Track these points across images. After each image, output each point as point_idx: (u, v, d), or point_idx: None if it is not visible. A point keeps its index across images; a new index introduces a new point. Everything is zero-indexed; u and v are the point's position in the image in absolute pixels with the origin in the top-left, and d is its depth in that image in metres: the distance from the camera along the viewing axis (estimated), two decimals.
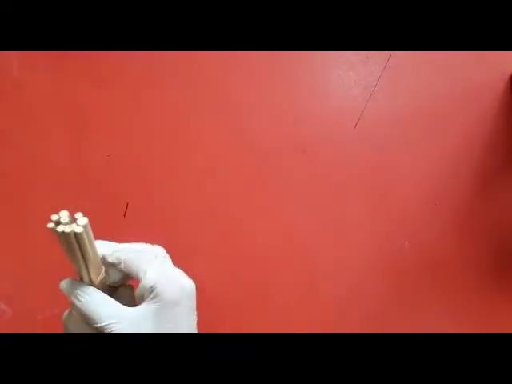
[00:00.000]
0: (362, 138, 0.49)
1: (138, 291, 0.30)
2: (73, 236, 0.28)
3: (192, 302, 0.31)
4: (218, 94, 0.47)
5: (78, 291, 0.29)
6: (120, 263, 0.31)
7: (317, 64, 0.50)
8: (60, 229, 0.28)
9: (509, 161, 0.49)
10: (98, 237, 0.46)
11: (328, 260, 0.47)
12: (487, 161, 0.49)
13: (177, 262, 0.43)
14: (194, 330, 0.31)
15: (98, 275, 0.30)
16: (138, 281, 0.31)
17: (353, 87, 0.50)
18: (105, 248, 0.31)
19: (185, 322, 0.30)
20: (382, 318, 0.46)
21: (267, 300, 0.42)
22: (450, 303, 0.47)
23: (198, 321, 0.32)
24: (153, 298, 0.29)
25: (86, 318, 0.29)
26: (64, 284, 0.29)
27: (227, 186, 0.47)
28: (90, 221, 0.47)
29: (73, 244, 0.29)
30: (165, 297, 0.29)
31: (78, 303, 0.29)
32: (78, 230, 0.28)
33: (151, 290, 0.29)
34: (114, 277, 0.32)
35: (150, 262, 0.30)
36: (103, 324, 0.28)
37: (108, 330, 0.28)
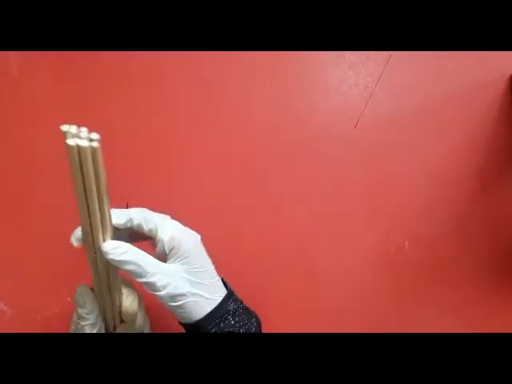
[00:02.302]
0: (362, 137, 0.49)
1: (158, 248, 0.34)
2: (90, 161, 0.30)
3: (204, 252, 0.35)
4: (217, 94, 0.47)
5: (121, 249, 0.31)
6: (140, 223, 0.34)
7: (317, 64, 0.50)
8: (75, 142, 0.29)
9: (509, 161, 0.49)
10: None
11: (328, 260, 0.47)
12: (487, 161, 0.49)
13: None
14: (214, 270, 0.35)
15: (110, 236, 0.32)
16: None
17: (353, 87, 0.50)
18: (116, 215, 0.34)
19: (206, 262, 0.35)
20: (382, 318, 0.46)
21: (267, 300, 0.42)
22: (450, 303, 0.47)
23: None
24: (176, 251, 0.33)
25: (135, 274, 0.32)
26: (107, 246, 0.31)
27: (227, 186, 0.47)
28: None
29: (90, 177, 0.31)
30: (185, 246, 0.33)
31: (126, 260, 0.31)
32: (95, 144, 0.30)
33: (172, 242, 0.33)
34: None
35: (163, 220, 0.34)
36: (151, 279, 0.31)
37: (155, 284, 0.32)
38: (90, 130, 0.30)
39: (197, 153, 0.48)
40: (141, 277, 0.32)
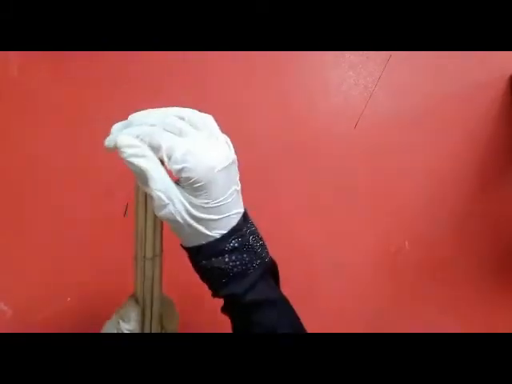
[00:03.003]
0: (363, 137, 0.49)
1: (171, 166, 0.29)
2: None
3: (225, 179, 0.31)
4: (217, 94, 0.47)
5: (133, 151, 0.29)
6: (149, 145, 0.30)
7: (317, 64, 0.50)
8: None
9: (509, 161, 0.49)
10: (97, 237, 0.46)
11: (328, 260, 0.46)
12: (487, 161, 0.49)
13: (175, 263, 0.43)
14: (231, 203, 0.32)
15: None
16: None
17: (353, 87, 0.50)
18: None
19: (219, 194, 0.31)
20: (381, 318, 0.46)
21: None
22: (450, 303, 0.47)
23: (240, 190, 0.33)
24: (185, 175, 0.29)
25: (139, 179, 0.30)
26: (122, 140, 0.30)
27: None
28: (90, 220, 0.47)
29: None
30: (193, 179, 0.29)
31: (133, 163, 0.29)
32: None
33: (180, 172, 0.29)
34: None
35: (177, 141, 0.30)
36: (152, 193, 0.29)
37: (154, 199, 0.29)
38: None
39: None
40: (143, 185, 0.30)
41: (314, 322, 0.46)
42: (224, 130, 0.48)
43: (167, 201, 0.29)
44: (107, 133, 0.48)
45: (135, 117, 0.32)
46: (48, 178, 0.46)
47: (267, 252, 0.35)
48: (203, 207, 0.30)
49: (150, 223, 0.33)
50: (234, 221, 0.33)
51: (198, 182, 0.29)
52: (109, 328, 0.34)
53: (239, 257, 0.32)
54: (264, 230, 0.45)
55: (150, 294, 0.34)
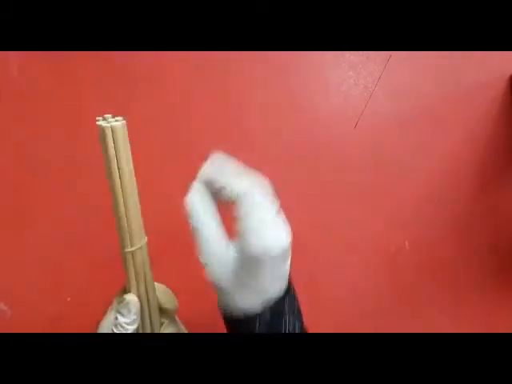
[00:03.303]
0: (362, 137, 0.49)
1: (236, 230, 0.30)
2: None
3: (276, 263, 0.30)
4: (217, 95, 0.47)
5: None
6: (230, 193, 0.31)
7: (317, 64, 0.50)
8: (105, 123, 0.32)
9: (509, 161, 0.49)
10: (97, 237, 0.46)
11: (328, 260, 0.46)
12: (487, 161, 0.49)
13: (175, 262, 0.43)
14: (280, 281, 0.32)
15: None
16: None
17: (353, 87, 0.50)
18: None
19: (267, 278, 0.30)
20: (381, 318, 0.46)
21: None
22: (450, 303, 0.47)
23: (290, 272, 0.33)
24: (239, 248, 0.30)
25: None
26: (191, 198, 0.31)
27: None
28: (90, 220, 0.47)
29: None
30: (246, 252, 0.29)
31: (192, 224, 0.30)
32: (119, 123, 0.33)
33: (240, 237, 0.29)
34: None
35: (250, 210, 0.30)
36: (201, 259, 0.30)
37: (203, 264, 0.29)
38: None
39: (197, 152, 0.47)
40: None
41: (314, 322, 0.46)
42: (223, 129, 0.48)
43: (215, 269, 0.30)
44: None
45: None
46: (48, 178, 0.46)
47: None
48: (252, 282, 0.30)
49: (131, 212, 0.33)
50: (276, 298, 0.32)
51: (249, 257, 0.29)
52: (106, 326, 0.33)
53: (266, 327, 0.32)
54: None
55: (143, 284, 0.34)
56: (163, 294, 0.35)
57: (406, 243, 0.47)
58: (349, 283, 0.46)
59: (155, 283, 0.36)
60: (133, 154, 0.46)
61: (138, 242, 0.34)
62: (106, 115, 0.32)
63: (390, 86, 0.50)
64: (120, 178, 0.34)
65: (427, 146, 0.49)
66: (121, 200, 0.34)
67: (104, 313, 0.35)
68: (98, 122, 0.32)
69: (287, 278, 0.33)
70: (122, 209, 0.34)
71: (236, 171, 0.33)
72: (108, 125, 0.32)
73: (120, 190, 0.34)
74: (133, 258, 0.34)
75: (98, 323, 0.35)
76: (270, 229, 0.31)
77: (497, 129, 0.49)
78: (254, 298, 0.31)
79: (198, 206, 0.32)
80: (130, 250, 0.34)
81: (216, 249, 0.30)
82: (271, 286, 0.31)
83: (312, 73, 0.49)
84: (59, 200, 0.45)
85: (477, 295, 0.47)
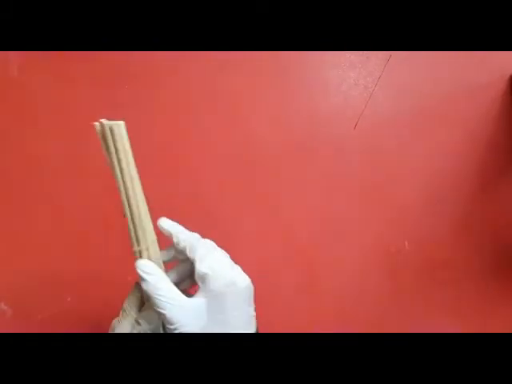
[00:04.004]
0: (362, 137, 0.49)
1: (195, 275, 0.32)
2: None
3: (241, 298, 0.32)
4: (217, 95, 0.47)
5: (147, 270, 0.33)
6: (185, 248, 0.33)
7: (317, 64, 0.50)
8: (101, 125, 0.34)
9: (509, 161, 0.49)
10: (98, 237, 0.46)
11: (328, 260, 0.46)
12: (487, 161, 0.49)
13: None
14: (247, 325, 0.33)
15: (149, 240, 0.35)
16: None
17: (353, 87, 0.50)
18: (167, 224, 0.35)
19: (236, 315, 0.32)
20: (381, 318, 0.46)
21: (267, 300, 0.42)
22: (450, 303, 0.47)
23: (256, 316, 0.34)
24: (203, 289, 0.31)
25: (150, 301, 0.32)
26: (140, 264, 0.33)
27: (227, 186, 0.47)
28: (90, 220, 0.47)
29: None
30: (212, 288, 0.31)
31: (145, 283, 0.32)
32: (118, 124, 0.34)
33: (203, 278, 0.31)
34: (169, 255, 0.36)
35: (209, 252, 0.33)
36: (166, 314, 0.31)
37: (173, 327, 0.31)
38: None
39: (196, 153, 0.47)
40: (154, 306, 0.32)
41: (314, 322, 0.46)
42: (223, 129, 0.48)
43: (178, 318, 0.31)
44: None
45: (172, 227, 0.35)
46: (48, 177, 0.46)
47: None
48: (217, 324, 0.32)
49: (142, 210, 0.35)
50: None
51: (216, 293, 0.31)
52: (125, 326, 0.33)
53: None
54: (264, 230, 0.46)
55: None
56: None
57: (406, 243, 0.47)
58: (349, 283, 0.46)
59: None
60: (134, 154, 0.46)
61: (145, 240, 0.35)
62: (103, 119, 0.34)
63: (390, 86, 0.50)
64: (123, 178, 0.35)
65: (427, 146, 0.49)
66: (128, 200, 0.35)
67: (114, 317, 0.34)
68: (98, 123, 0.34)
69: (254, 323, 0.34)
70: (132, 209, 0.35)
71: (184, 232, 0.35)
72: (109, 124, 0.34)
73: (126, 190, 0.35)
74: (143, 255, 0.35)
75: (99, 324, 0.35)
76: (230, 265, 0.33)
77: (497, 129, 0.49)
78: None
79: (151, 266, 0.33)
80: (138, 248, 0.35)
81: (178, 300, 0.31)
82: (239, 324, 0.32)
83: (312, 73, 0.49)
84: (59, 200, 0.45)
85: (477, 295, 0.47)
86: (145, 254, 0.35)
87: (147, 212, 0.36)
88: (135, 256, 0.35)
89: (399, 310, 0.46)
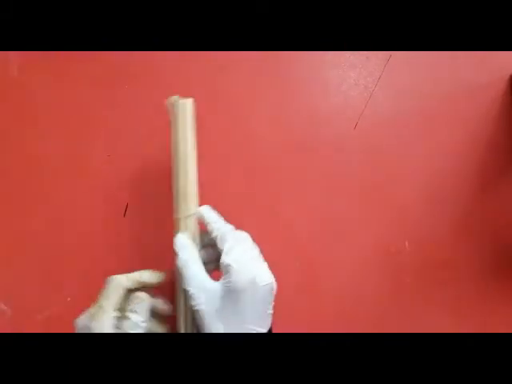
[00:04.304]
0: (362, 137, 0.49)
1: (220, 265, 0.34)
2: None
3: (260, 295, 0.33)
4: (217, 94, 0.47)
5: (181, 244, 0.35)
6: (216, 238, 0.35)
7: (316, 64, 0.50)
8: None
9: (509, 161, 0.49)
10: (97, 236, 0.46)
11: (328, 260, 0.47)
12: (487, 161, 0.49)
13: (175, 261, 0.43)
14: (261, 321, 0.34)
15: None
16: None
17: (353, 87, 0.50)
18: (205, 211, 0.37)
19: (251, 311, 0.33)
20: (382, 318, 0.46)
21: None
22: (450, 303, 0.47)
23: (272, 316, 0.35)
24: (225, 278, 0.33)
25: (182, 278, 0.34)
26: (178, 238, 0.36)
27: (226, 186, 0.47)
28: (90, 220, 0.47)
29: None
30: (233, 280, 0.32)
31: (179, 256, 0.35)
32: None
33: (226, 269, 0.33)
34: (202, 240, 0.38)
35: (238, 244, 0.34)
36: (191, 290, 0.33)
37: (192, 299, 0.33)
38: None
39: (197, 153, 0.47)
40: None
41: (314, 322, 0.46)
42: (223, 129, 0.48)
43: (199, 300, 0.33)
44: (106, 132, 0.48)
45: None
46: (48, 177, 0.46)
47: None
48: (231, 319, 0.33)
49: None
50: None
51: (235, 286, 0.32)
52: (104, 324, 0.33)
53: None
54: (263, 230, 0.46)
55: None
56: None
57: (406, 243, 0.47)
58: (349, 283, 0.46)
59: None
60: (130, 152, 0.46)
61: (185, 212, 0.38)
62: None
63: (390, 86, 0.50)
64: (181, 150, 0.38)
65: (427, 145, 0.49)
66: (180, 169, 0.38)
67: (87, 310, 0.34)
68: (170, 97, 0.39)
69: (268, 321, 0.35)
70: (180, 178, 0.38)
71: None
72: (178, 100, 0.39)
73: (180, 159, 0.38)
74: (181, 225, 0.37)
75: (76, 325, 0.35)
76: (256, 261, 0.34)
77: (497, 129, 0.49)
78: (235, 328, 0.33)
79: (186, 242, 0.35)
80: (177, 216, 0.38)
81: (202, 280, 0.34)
82: (252, 319, 0.33)
83: (312, 73, 0.50)
84: (59, 200, 0.45)
85: (477, 295, 0.47)
86: (182, 223, 0.37)
87: (194, 188, 0.38)
88: (177, 223, 0.38)
89: (399, 310, 0.46)
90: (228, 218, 0.47)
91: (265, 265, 0.35)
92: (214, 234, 0.35)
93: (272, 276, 0.34)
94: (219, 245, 0.35)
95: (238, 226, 0.47)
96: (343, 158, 0.48)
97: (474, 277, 0.47)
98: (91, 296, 0.44)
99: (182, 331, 0.36)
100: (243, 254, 0.34)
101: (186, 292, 0.34)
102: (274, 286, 0.34)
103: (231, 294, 0.32)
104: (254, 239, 0.44)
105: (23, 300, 0.43)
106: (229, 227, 0.36)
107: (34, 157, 0.46)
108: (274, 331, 0.37)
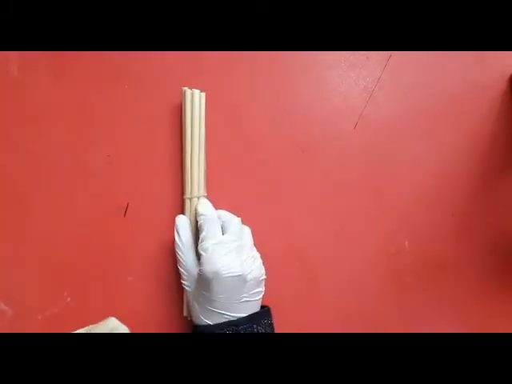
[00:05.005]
0: (362, 137, 0.49)
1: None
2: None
3: (228, 285, 0.36)
4: (217, 94, 0.47)
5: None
6: (199, 224, 0.40)
7: (317, 64, 0.50)
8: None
9: (509, 161, 0.49)
10: (98, 236, 0.46)
11: (328, 260, 0.47)
12: (487, 161, 0.49)
13: (175, 262, 0.43)
14: (235, 308, 0.37)
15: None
16: None
17: (353, 87, 0.50)
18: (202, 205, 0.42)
19: (216, 297, 0.37)
20: (381, 318, 0.46)
21: (267, 300, 0.42)
22: (450, 303, 0.47)
23: (258, 301, 0.40)
24: (199, 265, 0.38)
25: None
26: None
27: (226, 186, 0.47)
28: (90, 220, 0.47)
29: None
30: (202, 269, 0.37)
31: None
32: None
33: (199, 257, 0.38)
34: None
35: (213, 233, 0.39)
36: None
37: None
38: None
39: None
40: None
41: (314, 322, 0.46)
42: (223, 130, 0.48)
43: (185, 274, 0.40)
44: (106, 132, 0.48)
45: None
46: (48, 177, 0.46)
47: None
48: (205, 296, 0.37)
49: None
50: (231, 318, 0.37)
51: (203, 274, 0.37)
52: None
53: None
54: (263, 230, 0.46)
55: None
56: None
57: (406, 243, 0.47)
58: (349, 283, 0.46)
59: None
60: (130, 152, 0.47)
61: (195, 192, 0.43)
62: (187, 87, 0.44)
63: (390, 86, 0.50)
64: (192, 135, 0.43)
65: (427, 145, 0.49)
66: (189, 152, 0.43)
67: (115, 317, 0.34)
68: (184, 87, 0.44)
69: (247, 308, 0.38)
70: (188, 161, 0.43)
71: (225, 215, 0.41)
72: (190, 90, 0.44)
73: (190, 142, 0.43)
74: (190, 206, 0.42)
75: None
76: (226, 251, 0.37)
77: (497, 129, 0.49)
78: (205, 310, 0.37)
79: (184, 225, 0.41)
80: (188, 196, 0.43)
81: (188, 263, 0.39)
82: (221, 305, 0.36)
83: (312, 73, 0.50)
84: (60, 200, 0.45)
85: (477, 295, 0.47)
86: (187, 203, 0.43)
87: (202, 174, 0.43)
88: (184, 203, 0.43)
89: (399, 310, 0.46)
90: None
91: (242, 257, 0.37)
92: (198, 222, 0.40)
93: (248, 268, 0.37)
94: (199, 232, 0.39)
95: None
96: (343, 157, 0.48)
97: (474, 277, 0.47)
98: (91, 296, 0.44)
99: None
100: (215, 244, 0.37)
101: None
102: (250, 276, 0.37)
103: (202, 280, 0.36)
104: (254, 239, 0.45)
105: (23, 300, 0.43)
106: (212, 216, 0.39)
107: (34, 157, 0.46)
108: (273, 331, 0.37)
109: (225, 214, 0.41)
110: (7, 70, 0.47)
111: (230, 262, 0.36)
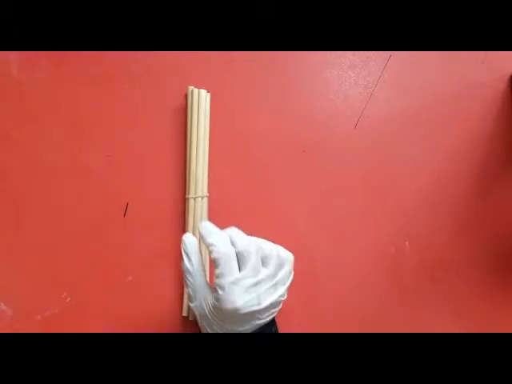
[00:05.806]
0: (362, 137, 0.49)
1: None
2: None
3: (242, 319, 0.34)
4: (217, 94, 0.47)
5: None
6: (213, 258, 0.35)
7: (317, 64, 0.50)
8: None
9: (509, 161, 0.49)
10: (97, 236, 0.46)
11: (328, 260, 0.46)
12: (487, 161, 0.49)
13: (175, 262, 0.43)
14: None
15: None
16: None
17: (353, 87, 0.50)
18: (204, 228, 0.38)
19: (229, 326, 0.35)
20: (382, 318, 0.46)
21: None
22: (450, 303, 0.47)
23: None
24: (215, 295, 0.35)
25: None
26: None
27: (226, 186, 0.47)
28: (90, 220, 0.47)
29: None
30: (218, 304, 0.34)
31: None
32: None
33: (216, 289, 0.34)
34: None
35: (230, 271, 0.34)
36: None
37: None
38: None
39: None
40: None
41: (314, 322, 0.46)
42: (223, 129, 0.48)
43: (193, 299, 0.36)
44: (106, 132, 0.48)
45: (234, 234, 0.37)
46: (47, 177, 0.46)
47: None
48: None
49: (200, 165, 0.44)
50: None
51: (219, 307, 0.34)
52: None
53: None
54: (263, 231, 0.46)
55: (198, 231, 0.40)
56: None
57: (406, 243, 0.47)
58: (349, 283, 0.46)
59: None
60: (130, 153, 0.47)
61: (199, 192, 0.43)
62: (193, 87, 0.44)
63: (390, 86, 0.50)
64: (198, 134, 0.44)
65: (427, 146, 0.49)
66: (194, 151, 0.44)
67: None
68: (190, 86, 0.45)
69: (255, 325, 0.36)
70: (193, 160, 0.43)
71: (234, 233, 0.37)
72: (196, 90, 0.44)
73: (196, 141, 0.44)
74: (194, 205, 0.42)
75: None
76: (242, 288, 0.34)
77: (497, 129, 0.49)
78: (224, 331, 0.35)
79: (192, 247, 0.37)
80: (191, 196, 0.43)
81: (201, 293, 0.36)
82: (242, 328, 0.35)
83: (312, 73, 0.50)
84: (59, 199, 0.45)
85: (476, 295, 0.47)
86: (191, 202, 0.43)
87: (205, 174, 0.44)
88: (186, 203, 0.44)
89: (399, 310, 0.46)
90: (227, 219, 0.47)
91: (259, 290, 0.35)
92: (211, 255, 0.35)
93: (264, 299, 0.35)
94: (214, 266, 0.35)
95: (237, 227, 0.47)
96: (343, 157, 0.48)
97: (474, 277, 0.47)
98: (91, 296, 0.44)
99: None
100: (232, 283, 0.34)
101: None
102: (267, 305, 0.35)
103: (215, 311, 0.35)
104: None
105: (23, 300, 0.43)
106: (226, 249, 0.35)
107: (34, 157, 0.46)
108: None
109: (266, 247, 0.38)
110: (7, 70, 0.47)
111: (248, 300, 0.34)
